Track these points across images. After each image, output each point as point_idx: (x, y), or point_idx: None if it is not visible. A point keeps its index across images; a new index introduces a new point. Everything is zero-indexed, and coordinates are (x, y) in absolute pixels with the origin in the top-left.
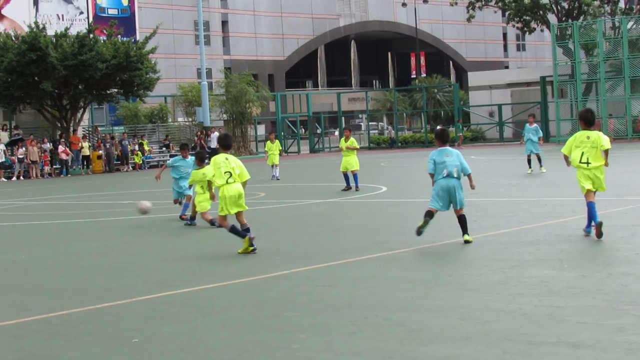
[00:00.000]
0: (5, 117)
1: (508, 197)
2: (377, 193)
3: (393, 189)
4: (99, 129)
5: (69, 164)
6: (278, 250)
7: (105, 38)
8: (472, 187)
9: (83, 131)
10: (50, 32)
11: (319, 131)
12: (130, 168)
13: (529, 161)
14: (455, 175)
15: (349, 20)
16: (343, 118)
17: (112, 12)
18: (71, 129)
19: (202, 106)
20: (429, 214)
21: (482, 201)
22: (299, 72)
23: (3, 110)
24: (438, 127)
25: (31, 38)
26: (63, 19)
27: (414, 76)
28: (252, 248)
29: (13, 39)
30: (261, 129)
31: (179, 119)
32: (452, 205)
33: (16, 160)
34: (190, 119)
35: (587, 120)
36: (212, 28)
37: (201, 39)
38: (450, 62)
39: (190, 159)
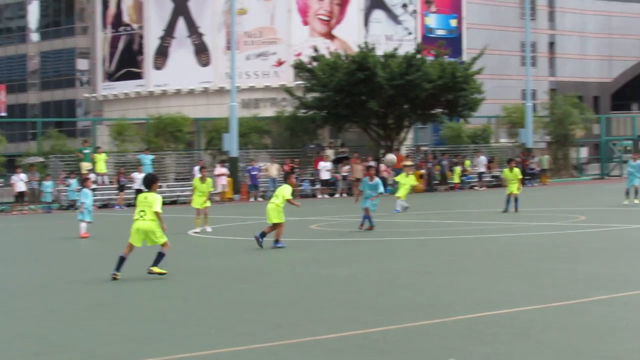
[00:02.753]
0: (332, 135)
1: None
2: None
3: None
4: (422, 148)
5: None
6: (596, 274)
7: (432, 58)
8: None
9: (406, 150)
10: (378, 52)
11: (617, 155)
12: (449, 188)
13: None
14: None
15: None
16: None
17: (440, 32)
18: (395, 148)
19: (526, 127)
20: None
21: None
22: (625, 94)
23: (330, 129)
24: None
25: (360, 58)
26: (392, 40)
27: None
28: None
29: (343, 58)
30: (583, 152)
31: (502, 140)
32: None
33: (340, 178)
34: (513, 140)
35: None
36: (539, 49)
37: (528, 60)
38: None
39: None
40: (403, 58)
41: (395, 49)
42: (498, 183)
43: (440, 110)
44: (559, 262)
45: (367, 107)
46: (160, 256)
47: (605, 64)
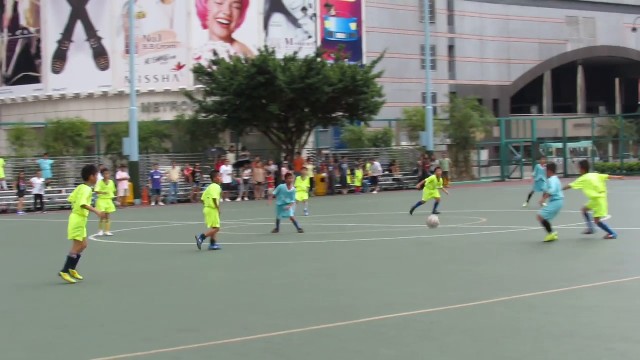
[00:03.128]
0: (233, 139)
1: None
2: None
3: (616, 217)
4: (323, 151)
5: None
6: (499, 276)
7: (332, 62)
8: None
9: (307, 154)
10: (278, 56)
11: (517, 158)
12: (347, 192)
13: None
14: None
15: (577, 46)
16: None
17: (340, 36)
18: (296, 151)
19: (426, 131)
20: None
21: None
22: (525, 97)
23: (231, 133)
24: None
25: (260, 62)
26: (292, 43)
27: None
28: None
29: (243, 62)
30: (484, 155)
31: (403, 143)
32: None
33: (242, 182)
34: (414, 144)
35: None
36: (439, 53)
37: (427, 63)
38: None
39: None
40: (303, 62)
41: (296, 53)
42: (400, 186)
43: (341, 113)
44: (462, 264)
45: (268, 110)
46: (69, 261)
47: (505, 67)
